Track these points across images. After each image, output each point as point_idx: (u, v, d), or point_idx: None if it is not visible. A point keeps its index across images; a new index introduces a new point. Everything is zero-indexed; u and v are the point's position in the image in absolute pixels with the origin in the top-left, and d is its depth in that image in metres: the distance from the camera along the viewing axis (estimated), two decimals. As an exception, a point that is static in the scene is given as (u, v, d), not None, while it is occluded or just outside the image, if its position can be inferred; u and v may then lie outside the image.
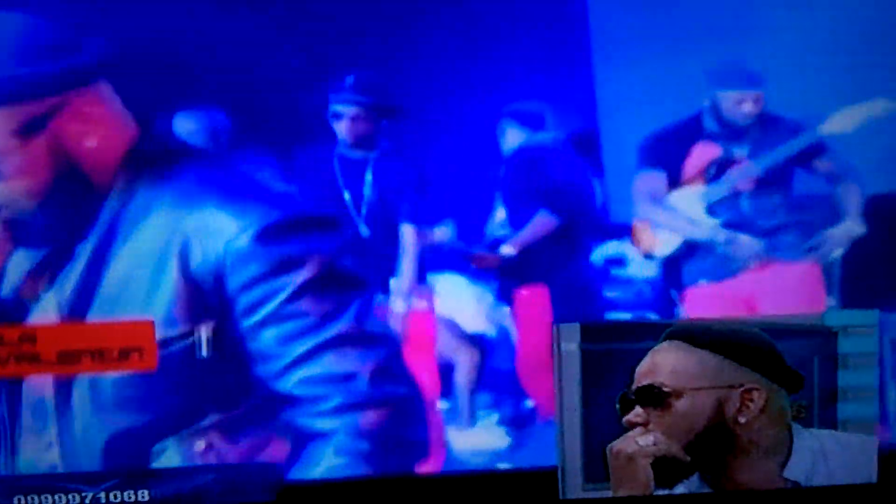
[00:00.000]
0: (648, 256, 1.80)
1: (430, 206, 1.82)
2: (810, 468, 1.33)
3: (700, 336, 1.34)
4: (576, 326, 1.45)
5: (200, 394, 1.53)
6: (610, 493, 1.36)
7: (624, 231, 1.82)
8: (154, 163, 1.53)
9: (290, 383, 1.52)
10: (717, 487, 1.34)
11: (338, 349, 1.52)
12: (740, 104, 1.75)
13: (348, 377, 1.53)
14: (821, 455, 1.34)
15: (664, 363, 1.34)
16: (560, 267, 1.84)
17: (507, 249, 1.84)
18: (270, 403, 1.54)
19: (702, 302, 1.76)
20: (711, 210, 1.76)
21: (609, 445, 1.34)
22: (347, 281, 1.55)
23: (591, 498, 1.45)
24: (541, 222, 1.87)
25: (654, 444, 1.31)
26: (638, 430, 1.34)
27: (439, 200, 1.81)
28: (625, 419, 1.35)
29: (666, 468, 1.31)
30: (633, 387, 1.35)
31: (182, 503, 1.48)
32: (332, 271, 1.54)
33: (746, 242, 1.75)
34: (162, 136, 1.57)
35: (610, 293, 1.83)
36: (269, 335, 1.52)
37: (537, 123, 1.86)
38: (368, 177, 1.82)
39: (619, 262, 1.84)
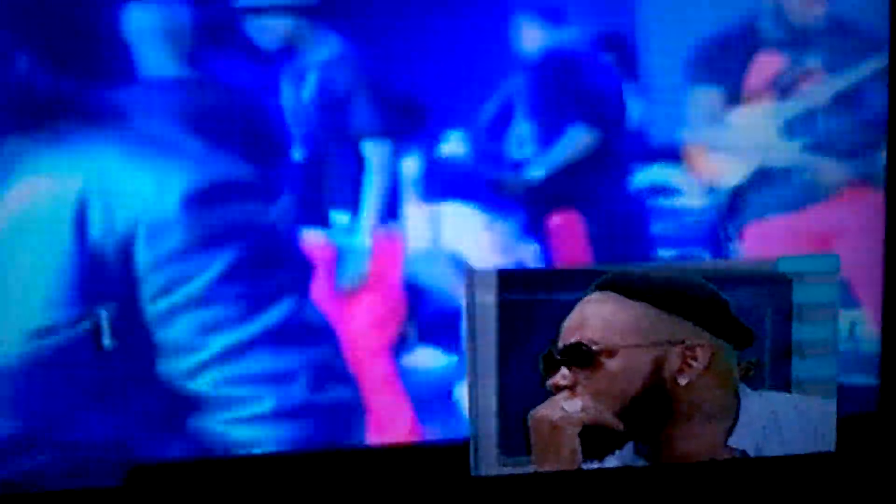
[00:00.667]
0: (701, 184, 1.57)
1: (412, 121, 1.54)
2: (760, 435, 1.19)
3: (636, 286, 1.19)
4: (492, 273, 1.25)
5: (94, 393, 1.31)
6: (531, 468, 1.21)
7: (671, 154, 1.57)
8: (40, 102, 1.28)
9: (204, 383, 1.33)
10: (653, 459, 1.20)
11: (269, 343, 1.34)
12: (806, 5, 1.52)
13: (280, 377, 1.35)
14: (772, 420, 1.20)
15: (595, 317, 1.19)
16: (595, 196, 1.61)
17: (534, 172, 1.59)
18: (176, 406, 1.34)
19: (766, 238, 1.57)
20: (784, 130, 1.53)
21: (530, 412, 1.19)
22: (285, 261, 1.36)
23: (509, 474, 1.26)
24: (577, 138, 1.61)
25: (583, 411, 1.17)
26: (564, 394, 1.19)
27: (434, 114, 1.54)
28: (549, 382, 1.20)
29: (596, 438, 1.17)
30: (560, 344, 1.19)
31: (15, 488, 1.27)
32: (267, 251, 1.35)
33: (825, 168, 1.53)
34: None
35: (654, 227, 1.60)
36: (183, 323, 1.31)
37: (560, 19, 1.57)
38: (309, 86, 1.54)
39: (666, 190, 1.60)
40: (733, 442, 1.17)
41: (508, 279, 1.25)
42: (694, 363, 1.16)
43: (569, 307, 1.20)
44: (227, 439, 1.34)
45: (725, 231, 1.57)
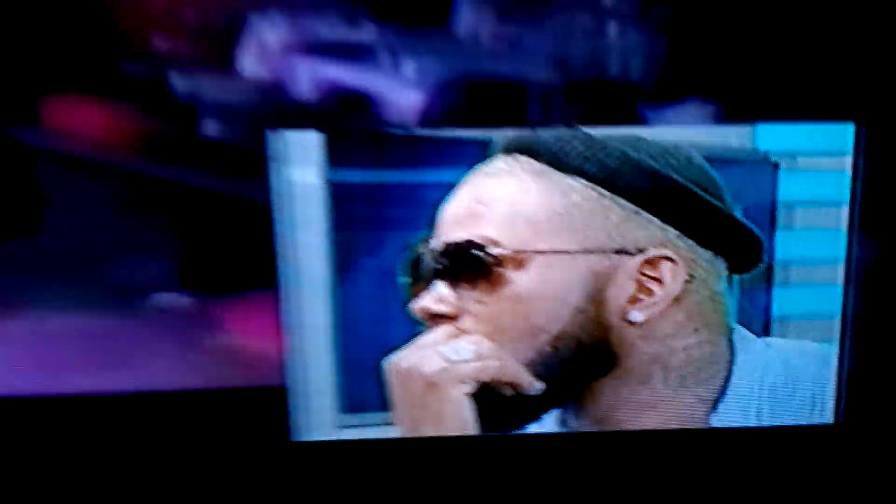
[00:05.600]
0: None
1: None
2: (764, 409, 0.79)
3: (569, 150, 0.74)
4: (313, 138, 0.77)
5: None
6: (389, 431, 0.78)
7: None
8: None
9: None
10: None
11: None
12: None
13: None
14: (785, 384, 0.80)
15: (496, 200, 0.74)
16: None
17: None
18: None
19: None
20: None
21: (390, 360, 0.75)
22: None
23: (352, 441, 0.85)
24: None
25: (477, 360, 0.73)
26: (442, 329, 0.74)
27: None
28: (418, 306, 0.76)
29: (498, 404, 0.74)
30: (434, 243, 0.75)
31: None
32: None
33: None
34: None
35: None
36: None
37: None
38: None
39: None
40: (720, 420, 0.77)
41: (343, 146, 0.79)
42: (657, 289, 0.73)
43: (449, 188, 0.76)
44: None
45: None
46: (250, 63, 0.77)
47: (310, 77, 0.79)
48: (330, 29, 0.78)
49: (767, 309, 0.83)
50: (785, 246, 0.83)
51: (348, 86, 0.79)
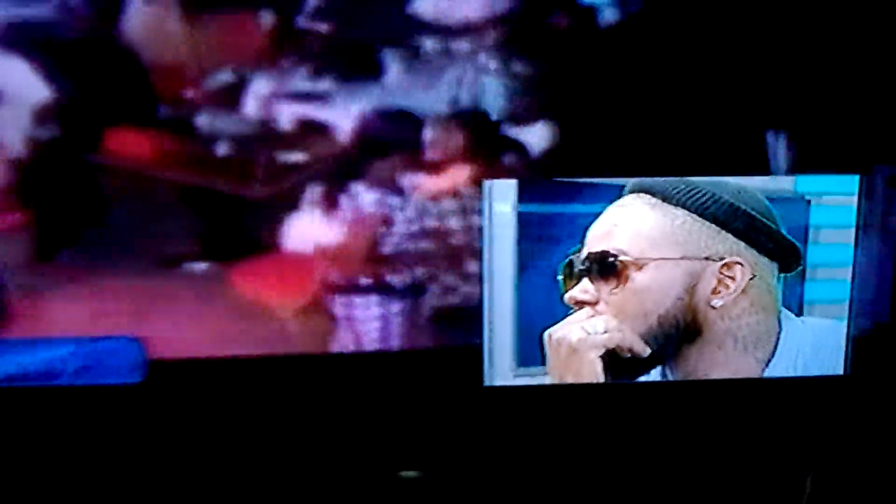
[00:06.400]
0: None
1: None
2: (800, 369, 1.11)
3: (676, 189, 1.04)
4: (511, 184, 1.12)
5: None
6: (547, 379, 1.11)
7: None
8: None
9: None
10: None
11: None
12: None
13: None
14: (814, 351, 1.12)
15: (625, 223, 1.05)
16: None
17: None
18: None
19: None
20: None
21: (548, 331, 1.07)
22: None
23: (524, 386, 1.15)
24: None
25: (606, 332, 1.03)
26: (584, 311, 1.06)
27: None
28: (568, 295, 1.07)
29: (619, 363, 1.05)
30: (584, 252, 1.06)
31: (29, 381, 1.12)
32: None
33: None
34: None
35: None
36: None
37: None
38: None
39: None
40: (769, 373, 1.06)
41: (529, 189, 1.13)
42: (731, 283, 1.02)
43: (595, 218, 1.08)
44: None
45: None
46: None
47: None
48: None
49: (802, 296, 1.11)
50: (813, 254, 1.11)
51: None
